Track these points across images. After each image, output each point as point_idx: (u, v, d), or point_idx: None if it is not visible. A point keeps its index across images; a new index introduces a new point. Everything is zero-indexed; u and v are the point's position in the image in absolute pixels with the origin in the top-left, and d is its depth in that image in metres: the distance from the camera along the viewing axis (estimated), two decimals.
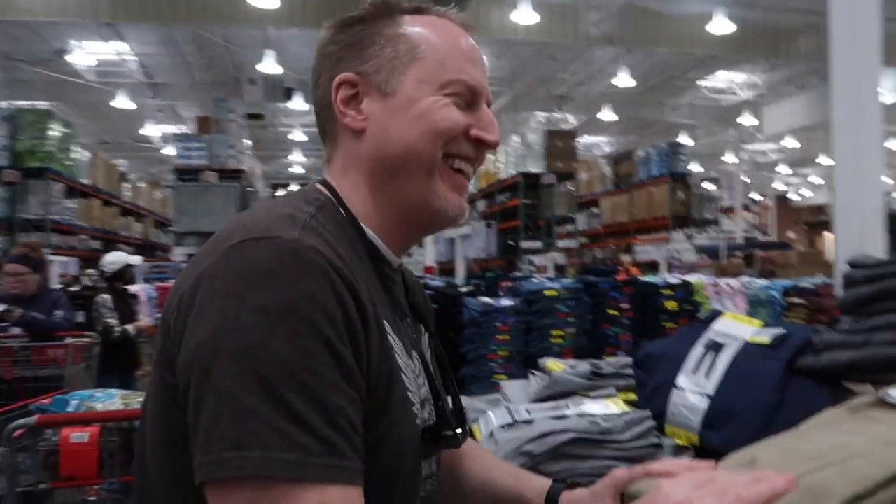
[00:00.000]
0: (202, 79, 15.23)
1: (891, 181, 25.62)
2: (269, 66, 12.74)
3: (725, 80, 17.72)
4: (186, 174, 12.03)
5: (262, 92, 13.57)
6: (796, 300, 6.25)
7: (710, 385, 1.16)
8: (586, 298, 3.77)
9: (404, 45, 0.81)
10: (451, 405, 0.85)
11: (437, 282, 4.76)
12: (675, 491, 0.64)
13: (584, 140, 22.21)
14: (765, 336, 1.19)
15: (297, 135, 19.60)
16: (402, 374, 0.75)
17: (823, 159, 22.85)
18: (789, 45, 13.53)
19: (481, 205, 16.51)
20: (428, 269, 9.79)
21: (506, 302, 3.70)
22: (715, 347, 1.21)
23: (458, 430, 0.81)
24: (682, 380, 1.20)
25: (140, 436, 0.77)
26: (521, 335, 3.37)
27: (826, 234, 20.15)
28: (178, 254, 11.66)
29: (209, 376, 0.60)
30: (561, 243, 15.41)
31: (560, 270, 11.75)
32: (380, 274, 0.79)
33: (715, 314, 1.29)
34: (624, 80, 14.84)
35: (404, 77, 0.80)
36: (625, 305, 3.84)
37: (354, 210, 0.80)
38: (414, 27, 0.82)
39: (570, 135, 15.41)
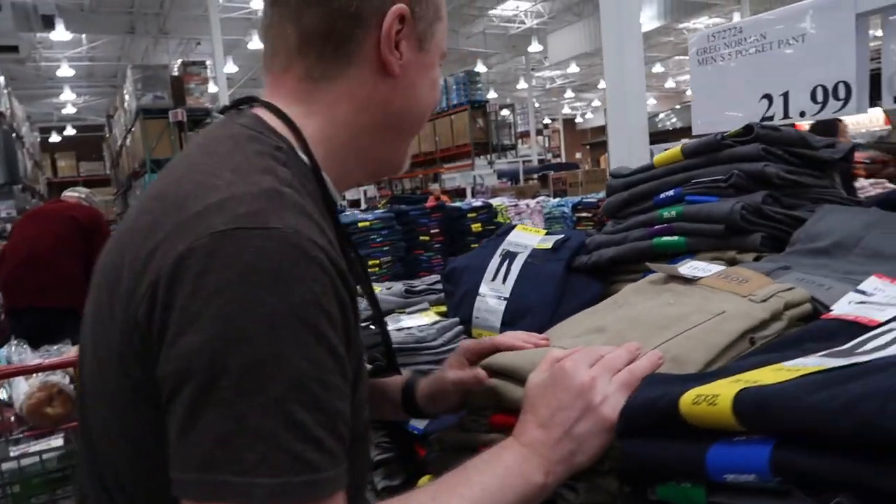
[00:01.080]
0: None
1: (654, 102, 28.76)
2: None
3: (513, 8, 18.51)
4: None
5: (11, 19, 11.72)
6: (584, 214, 7.01)
7: (506, 289, 1.34)
8: (398, 227, 3.92)
9: None
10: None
11: None
12: (576, 370, 0.66)
13: None
14: (548, 242, 1.39)
15: (65, 70, 17.30)
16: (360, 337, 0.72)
17: (603, 84, 24.99)
18: None
19: None
20: None
21: None
22: (509, 256, 1.39)
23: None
24: (483, 287, 1.37)
25: (82, 425, 0.73)
26: None
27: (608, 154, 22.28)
28: None
29: (211, 391, 0.54)
30: None
31: (371, 202, 11.91)
32: (339, 229, 0.72)
33: (509, 227, 1.47)
34: None
35: (434, 36, 0.77)
36: (435, 231, 4.05)
37: (319, 145, 0.73)
38: None
39: None
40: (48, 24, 12.31)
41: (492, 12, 18.35)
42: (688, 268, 0.93)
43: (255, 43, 16.12)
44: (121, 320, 0.61)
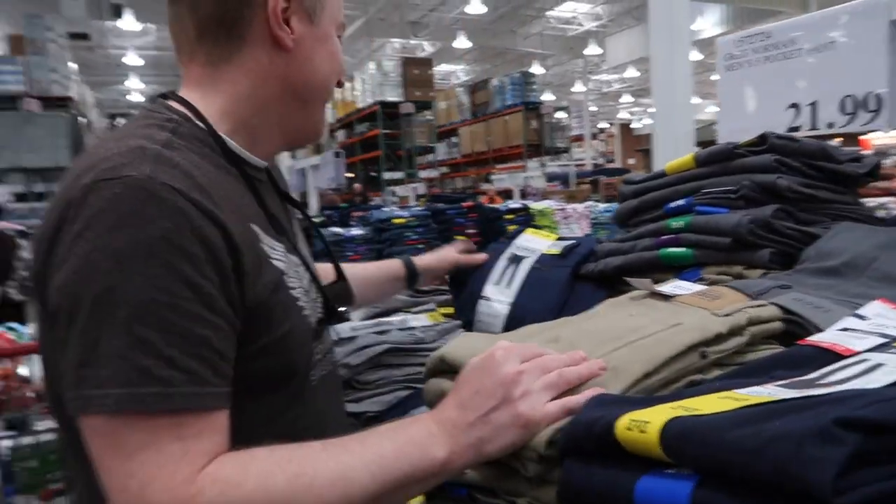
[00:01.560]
0: None
1: (716, 109, 27.96)
2: None
3: (571, 10, 18.28)
4: (1, 101, 10.72)
5: (83, 7, 12.15)
6: None
7: (511, 293, 1.31)
8: (434, 225, 3.91)
9: None
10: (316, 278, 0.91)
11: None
12: (506, 361, 0.67)
13: (440, 69, 22.23)
14: (557, 248, 1.35)
15: (132, 58, 17.89)
16: (285, 277, 0.79)
17: None
18: None
19: (341, 135, 16.21)
20: None
21: (356, 231, 3.77)
22: (516, 260, 1.36)
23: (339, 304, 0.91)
24: (488, 290, 1.34)
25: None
26: None
27: None
28: (2, 192, 10.51)
29: (73, 320, 0.63)
30: (422, 173, 15.55)
31: (421, 200, 11.92)
32: (245, 177, 0.81)
33: (518, 231, 1.44)
34: (475, 6, 14.90)
35: (325, 10, 0.84)
36: (471, 230, 4.03)
37: (223, 120, 0.81)
38: None
39: (427, 63, 15.33)
40: (117, 12, 12.75)
41: (549, 13, 18.14)
42: (670, 286, 0.89)
43: None
44: (32, 276, 0.71)
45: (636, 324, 0.78)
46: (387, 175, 13.82)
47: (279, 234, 0.83)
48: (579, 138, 22.57)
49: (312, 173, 4.83)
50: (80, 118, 11.73)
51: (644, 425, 0.48)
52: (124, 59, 18.15)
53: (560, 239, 1.40)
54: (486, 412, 0.65)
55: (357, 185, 12.06)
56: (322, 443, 0.66)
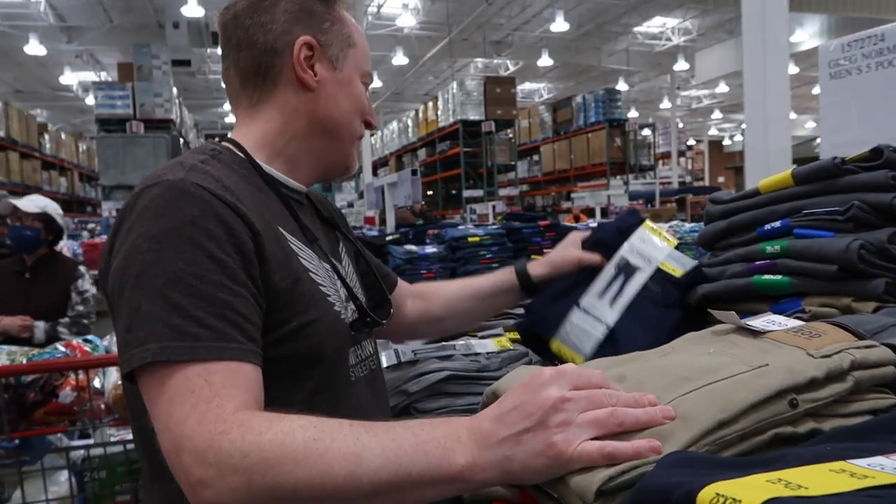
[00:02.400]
0: (121, 22, 14.41)
1: (813, 125, 26.53)
2: (193, 8, 12.09)
3: (659, 26, 17.86)
4: (111, 125, 11.48)
5: (186, 36, 12.89)
6: None
7: (613, 314, 1.13)
8: (509, 244, 3.81)
9: (346, 29, 1.00)
10: (363, 297, 1.02)
11: (374, 231, 4.75)
12: (553, 382, 0.62)
13: (523, 87, 22.18)
14: (678, 265, 1.18)
15: None
16: (311, 274, 0.90)
17: None
18: None
19: (422, 154, 16.41)
20: (368, 220, 9.75)
21: (430, 249, 3.73)
22: (627, 270, 1.17)
23: (380, 316, 0.99)
24: (588, 300, 1.16)
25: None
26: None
27: None
28: (107, 209, 11.21)
29: (121, 295, 0.76)
30: (502, 191, 15.51)
31: (499, 217, 11.84)
32: (281, 197, 0.94)
33: (632, 217, 1.24)
34: (559, 24, 14.79)
35: (347, 59, 0.99)
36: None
37: (261, 150, 0.96)
38: (345, 14, 1.01)
39: (509, 81, 15.33)
40: (216, 40, 13.38)
41: (637, 29, 17.79)
42: (762, 320, 0.77)
43: (399, 58, 16.70)
44: (102, 278, 0.86)
45: (715, 363, 0.67)
46: (467, 193, 13.84)
47: (310, 241, 0.94)
48: (666, 156, 21.95)
49: (389, 191, 4.85)
50: (180, 139, 12.42)
51: (735, 503, 0.38)
52: (222, 84, 19.06)
53: (680, 245, 1.21)
54: (519, 432, 0.61)
55: (417, 204, 12.08)
56: (351, 421, 0.68)
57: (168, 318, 0.72)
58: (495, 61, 19.17)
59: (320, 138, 0.99)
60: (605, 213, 13.22)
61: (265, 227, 0.83)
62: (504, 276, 1.28)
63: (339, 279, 0.96)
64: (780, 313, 1.00)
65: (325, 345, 0.88)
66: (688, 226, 8.03)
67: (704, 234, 1.19)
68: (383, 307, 1.09)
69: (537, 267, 1.27)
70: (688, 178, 23.76)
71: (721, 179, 26.76)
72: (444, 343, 1.36)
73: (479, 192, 14.03)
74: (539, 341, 1.28)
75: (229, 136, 0.99)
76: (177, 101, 13.41)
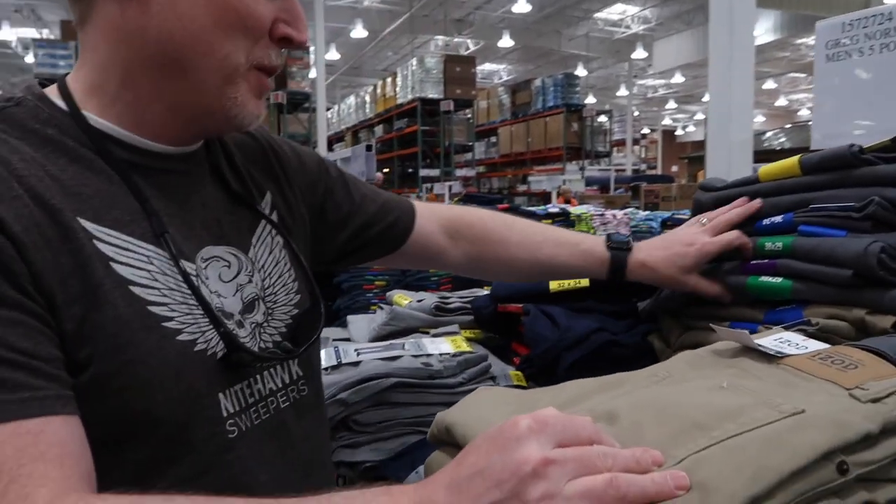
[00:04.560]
0: None
1: (762, 119, 27.15)
2: None
3: (619, 13, 17.87)
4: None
5: None
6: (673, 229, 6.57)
7: None
8: None
9: None
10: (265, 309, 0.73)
11: None
12: (532, 437, 0.46)
13: (483, 68, 21.98)
14: None
15: None
16: (136, 289, 0.61)
17: (708, 97, 23.78)
18: None
19: (379, 130, 16.09)
20: None
21: None
22: None
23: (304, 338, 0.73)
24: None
25: None
26: None
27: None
28: None
29: None
30: (459, 172, 15.36)
31: (455, 197, 11.72)
32: (114, 162, 0.64)
33: None
34: (521, 6, 14.64)
35: None
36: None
37: (92, 95, 0.65)
38: None
39: (469, 61, 15.11)
40: None
41: (597, 15, 17.74)
42: (773, 339, 0.64)
43: (359, 31, 16.29)
44: None
45: (732, 403, 0.52)
46: (423, 172, 13.64)
47: (156, 235, 0.64)
48: (621, 143, 22.11)
49: (343, 166, 4.62)
50: None
51: None
52: None
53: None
54: None
55: (379, 175, 11.82)
56: (237, 499, 0.49)
57: None
58: (456, 40, 18.90)
59: (164, 71, 0.64)
60: (560, 197, 13.20)
61: (34, 225, 0.56)
62: (592, 261, 0.98)
63: (192, 292, 0.64)
64: (776, 323, 0.88)
65: (157, 398, 0.59)
66: (642, 213, 8.04)
67: None
68: (306, 322, 0.76)
69: (640, 269, 0.97)
70: (641, 167, 24.01)
71: (675, 169, 27.19)
72: (392, 342, 1.20)
73: (435, 172, 13.86)
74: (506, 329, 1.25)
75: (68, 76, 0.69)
76: None
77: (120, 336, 0.58)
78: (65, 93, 0.65)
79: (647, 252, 0.97)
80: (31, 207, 0.57)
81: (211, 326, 0.64)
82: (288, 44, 0.69)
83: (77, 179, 0.61)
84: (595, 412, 0.54)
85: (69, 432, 0.52)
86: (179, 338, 0.62)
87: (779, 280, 0.89)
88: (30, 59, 16.87)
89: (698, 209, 1.04)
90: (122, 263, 0.60)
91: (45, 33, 16.47)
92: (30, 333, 0.53)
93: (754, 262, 0.93)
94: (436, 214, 1.02)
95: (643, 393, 0.61)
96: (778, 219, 0.92)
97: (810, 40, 18.37)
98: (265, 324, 0.72)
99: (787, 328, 0.80)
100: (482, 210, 1.07)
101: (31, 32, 16.89)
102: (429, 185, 12.83)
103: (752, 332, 0.90)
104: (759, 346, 0.63)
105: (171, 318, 0.62)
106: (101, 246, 0.60)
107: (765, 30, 15.59)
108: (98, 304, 0.58)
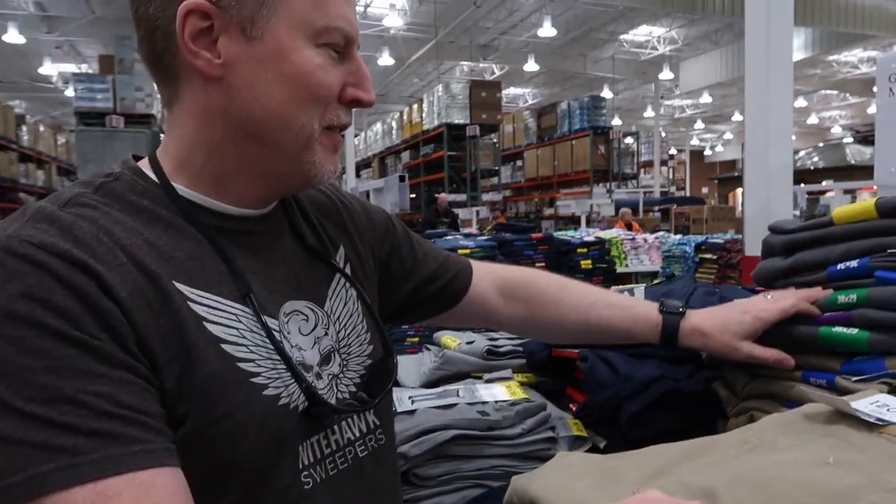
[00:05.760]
0: (103, 14, 14.04)
1: (793, 138, 26.81)
2: None
3: (645, 34, 17.87)
4: (90, 118, 11.17)
5: None
6: (708, 255, 6.41)
7: None
8: (501, 257, 3.67)
9: None
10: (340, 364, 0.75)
11: None
12: None
13: (508, 92, 22.10)
14: None
15: None
16: (227, 346, 0.64)
17: (737, 116, 23.56)
18: None
19: (405, 156, 16.22)
20: None
21: None
22: None
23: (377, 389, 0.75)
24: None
25: None
26: None
27: (739, 189, 20.94)
28: None
29: None
30: (485, 196, 15.38)
31: (483, 223, 11.75)
32: (203, 228, 0.68)
33: None
34: (547, 30, 14.72)
35: (274, 17, 0.65)
36: (540, 264, 3.77)
37: (181, 170, 0.70)
38: None
39: (495, 86, 15.21)
40: None
41: (623, 37, 17.77)
42: (869, 403, 0.60)
43: (385, 59, 16.50)
44: None
45: (839, 482, 0.49)
46: (450, 197, 13.69)
47: (242, 295, 0.67)
48: (648, 164, 21.97)
49: (376, 197, 4.67)
50: (161, 134, 12.12)
51: None
52: None
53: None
54: None
55: (443, 196, 11.84)
56: None
57: (28, 436, 0.52)
58: (481, 65, 19.05)
59: (248, 146, 0.68)
60: (588, 221, 13.13)
61: (138, 289, 0.60)
62: (644, 324, 0.96)
63: (275, 348, 0.67)
64: (854, 374, 0.84)
65: (244, 447, 0.63)
66: (674, 237, 7.88)
67: (761, 272, 1.02)
68: (384, 373, 0.79)
69: (693, 335, 0.94)
70: (670, 188, 23.81)
71: (704, 190, 26.88)
72: (445, 388, 1.18)
73: (462, 197, 13.90)
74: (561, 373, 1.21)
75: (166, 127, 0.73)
76: (158, 96, 13.06)
77: (213, 392, 0.62)
78: (156, 166, 0.70)
79: (701, 318, 0.94)
80: (134, 274, 0.60)
81: (293, 381, 0.67)
82: (357, 105, 0.71)
83: (170, 245, 0.65)
84: (690, 487, 0.52)
85: (176, 483, 0.55)
86: (265, 392, 0.65)
87: (854, 332, 0.85)
88: (69, 92, 17.42)
89: (768, 253, 1.01)
90: (213, 322, 0.64)
91: (84, 68, 16.98)
92: (137, 391, 0.56)
93: (827, 314, 0.89)
94: (491, 274, 1.02)
95: (737, 464, 0.58)
96: (853, 263, 0.88)
97: (842, 57, 18.18)
98: (341, 374, 0.75)
99: (866, 380, 0.76)
100: (536, 270, 1.07)
101: (70, 67, 17.46)
102: (456, 210, 12.78)
103: (830, 382, 0.87)
104: (858, 412, 0.59)
105: (258, 374, 0.65)
106: (194, 307, 0.63)
107: (797, 47, 15.47)
108: (193, 363, 0.61)
